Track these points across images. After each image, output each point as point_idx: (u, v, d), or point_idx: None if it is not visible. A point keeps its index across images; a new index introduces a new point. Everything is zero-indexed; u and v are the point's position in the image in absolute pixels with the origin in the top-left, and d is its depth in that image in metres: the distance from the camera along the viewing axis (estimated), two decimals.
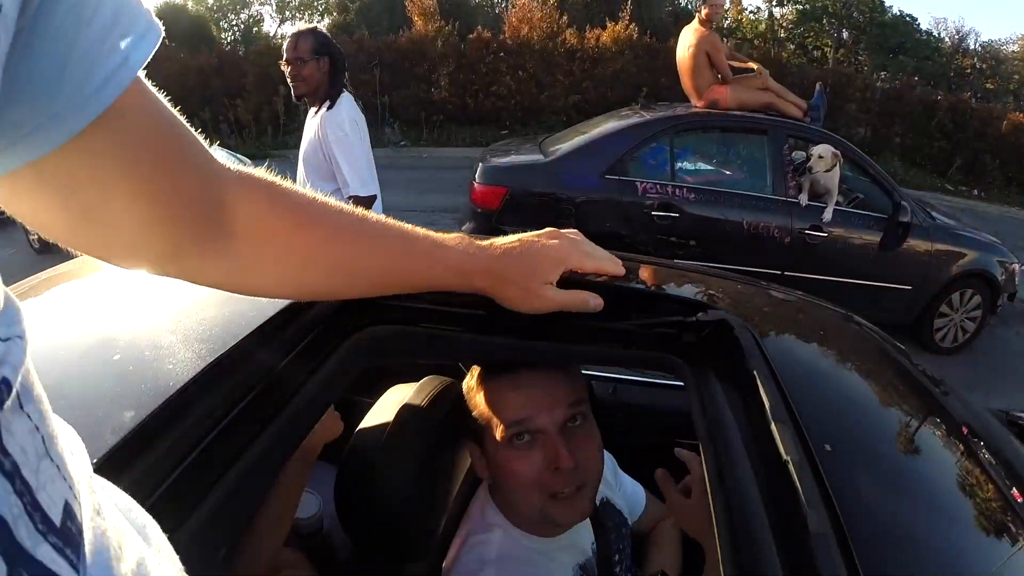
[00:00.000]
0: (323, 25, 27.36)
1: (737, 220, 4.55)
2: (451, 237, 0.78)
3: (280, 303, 0.83)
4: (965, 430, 1.06)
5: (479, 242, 0.80)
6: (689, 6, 29.63)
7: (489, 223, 4.59)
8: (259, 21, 27.26)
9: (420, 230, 0.76)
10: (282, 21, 28.98)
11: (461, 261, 0.77)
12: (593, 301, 0.85)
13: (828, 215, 4.64)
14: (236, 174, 0.62)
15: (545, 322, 0.89)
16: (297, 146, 3.33)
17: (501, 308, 0.88)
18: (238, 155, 7.51)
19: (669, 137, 4.67)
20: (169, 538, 0.43)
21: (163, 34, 0.45)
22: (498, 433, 1.01)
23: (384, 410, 1.10)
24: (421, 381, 1.19)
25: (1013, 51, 32.50)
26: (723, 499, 0.71)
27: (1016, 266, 5.27)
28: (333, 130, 3.03)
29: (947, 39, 32.15)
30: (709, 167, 4.86)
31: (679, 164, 4.70)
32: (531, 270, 0.80)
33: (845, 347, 1.23)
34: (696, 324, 0.92)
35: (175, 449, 0.62)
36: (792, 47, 32.11)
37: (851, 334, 1.31)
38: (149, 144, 0.49)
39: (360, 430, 1.08)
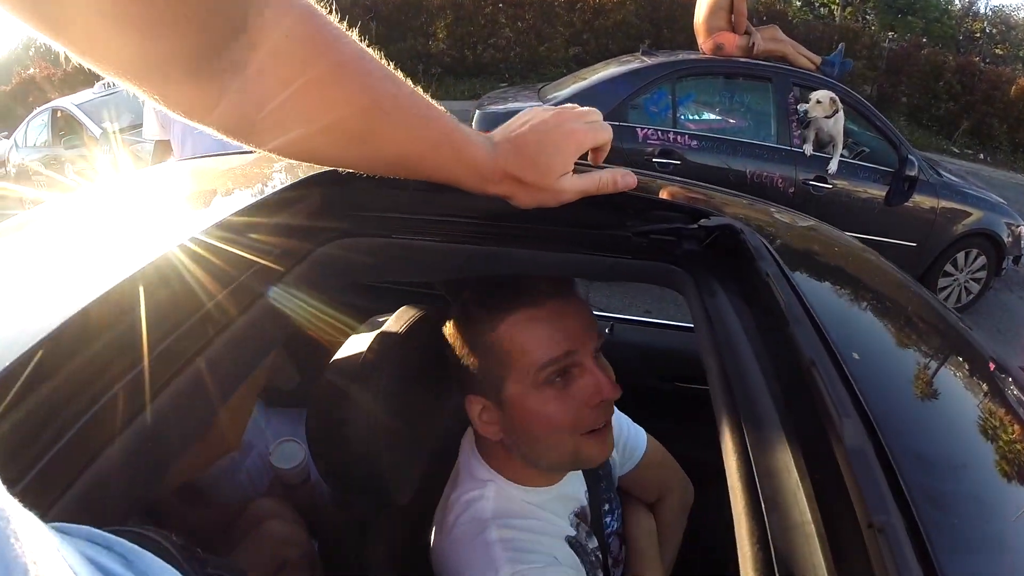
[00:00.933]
0: None
1: (740, 169, 4.44)
2: (473, 132, 0.70)
3: (237, 205, 0.75)
4: (992, 365, 0.96)
5: (493, 137, 0.72)
6: None
7: None
8: None
9: (449, 117, 0.66)
10: None
11: (482, 162, 0.69)
12: (623, 179, 0.77)
13: (834, 166, 4.53)
14: None
15: (532, 229, 0.80)
16: None
17: (483, 215, 0.80)
18: None
19: (671, 83, 4.53)
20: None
21: None
22: (527, 377, 0.87)
23: (358, 341, 0.99)
24: (398, 310, 1.07)
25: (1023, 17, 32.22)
26: (733, 417, 0.60)
27: (1023, 229, 5.15)
28: None
29: (957, 2, 31.83)
30: (712, 114, 4.71)
31: (681, 111, 4.57)
32: (545, 167, 0.71)
33: (865, 267, 1.13)
34: (699, 231, 0.82)
35: (125, 351, 0.55)
36: (798, 3, 31.77)
37: (870, 257, 1.20)
38: None
39: (333, 361, 0.97)
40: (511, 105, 4.87)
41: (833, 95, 4.50)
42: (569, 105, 0.79)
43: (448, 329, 0.94)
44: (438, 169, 0.68)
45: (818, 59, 5.12)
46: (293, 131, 0.57)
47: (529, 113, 0.76)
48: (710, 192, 1.23)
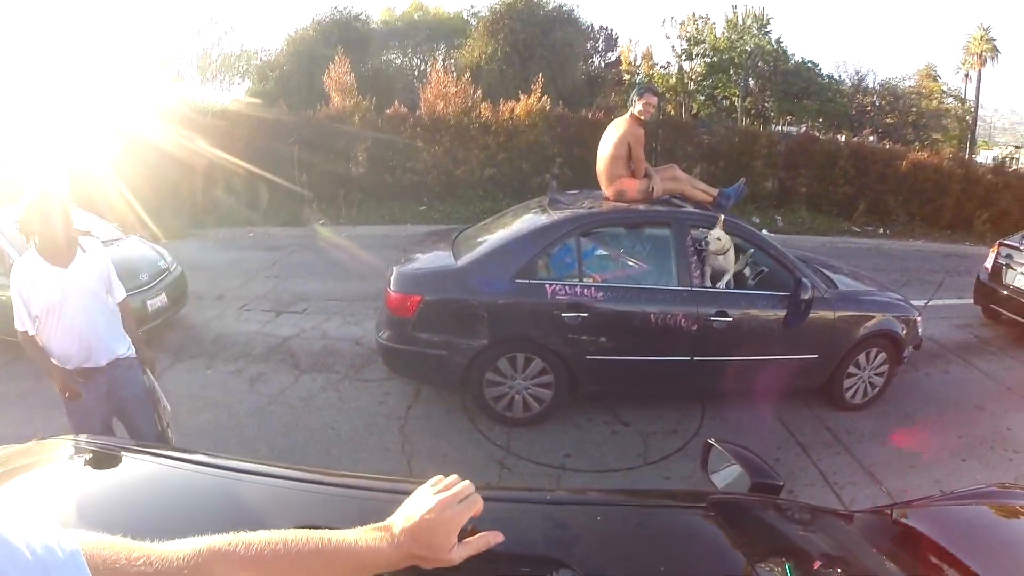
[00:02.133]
0: (243, 90, 27.58)
1: (645, 313, 4.68)
2: (371, 537, 0.97)
3: None
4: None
5: (389, 530, 0.99)
6: (600, 72, 30.94)
7: (405, 330, 4.63)
8: (181, 79, 27.25)
9: (355, 544, 0.95)
10: (203, 82, 29.13)
11: (389, 558, 0.96)
12: (494, 539, 1.05)
13: (722, 285, 4.90)
14: None
15: None
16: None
17: None
18: (156, 247, 7.33)
19: (576, 237, 4.79)
20: None
21: None
22: None
23: None
24: None
25: (909, 86, 34.96)
26: None
27: (918, 318, 5.58)
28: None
29: (848, 80, 34.34)
30: (615, 263, 4.97)
31: (586, 263, 4.81)
32: (437, 546, 0.99)
33: None
34: None
35: None
36: (702, 98, 33.71)
37: (693, 558, 1.37)
38: None
39: None
40: (426, 263, 5.06)
41: (726, 235, 4.88)
42: (445, 484, 1.07)
43: None
44: None
45: (715, 191, 5.53)
46: None
47: (418, 501, 1.04)
48: (582, 511, 1.41)
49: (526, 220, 5.14)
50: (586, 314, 4.59)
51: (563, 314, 4.56)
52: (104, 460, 1.55)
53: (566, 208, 5.12)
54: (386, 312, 4.83)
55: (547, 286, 4.59)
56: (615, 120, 5.47)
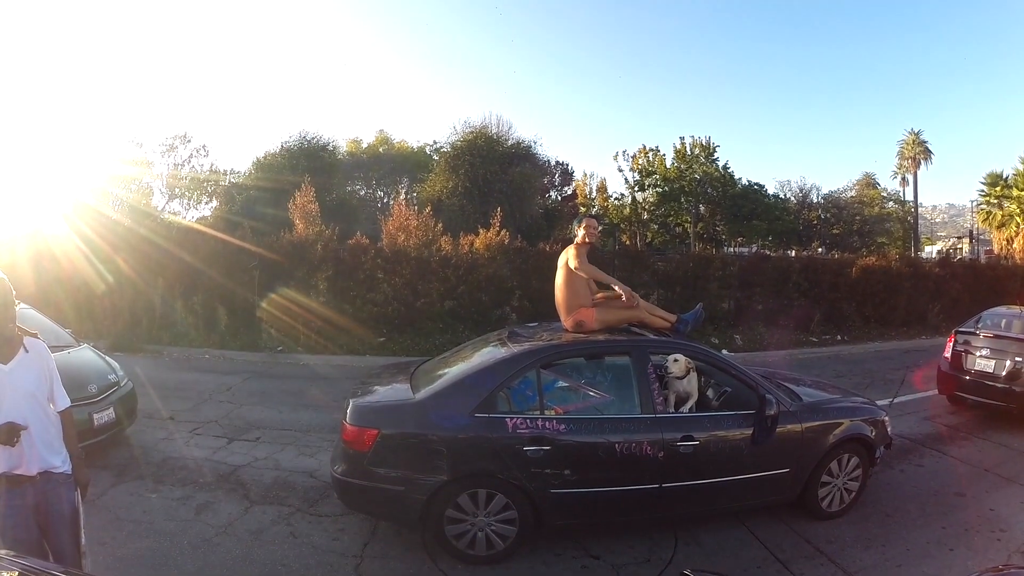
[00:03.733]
0: (209, 209, 28.01)
1: (609, 443, 4.59)
2: None
3: None
4: None
5: None
6: (556, 205, 32.09)
7: (361, 465, 4.48)
8: (149, 194, 27.54)
9: None
10: (171, 198, 29.51)
11: None
12: None
13: (685, 410, 4.96)
14: None
15: None
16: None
17: None
18: (107, 359, 7.14)
19: (536, 370, 4.76)
20: None
21: None
22: None
23: None
24: None
25: (851, 196, 36.88)
26: None
27: (886, 418, 5.63)
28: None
29: (792, 198, 36.11)
30: (577, 395, 4.93)
31: (547, 395, 4.76)
32: None
33: None
34: None
35: None
36: (656, 227, 34.98)
37: None
38: None
39: None
40: (384, 396, 5.01)
41: (687, 358, 4.95)
42: None
43: None
44: None
45: (673, 317, 5.62)
46: None
47: None
48: None
49: (485, 353, 5.12)
50: (549, 447, 4.48)
51: (525, 448, 4.45)
52: None
53: (525, 341, 5.15)
54: (342, 445, 4.68)
55: (508, 420, 4.51)
56: (565, 249, 5.59)
